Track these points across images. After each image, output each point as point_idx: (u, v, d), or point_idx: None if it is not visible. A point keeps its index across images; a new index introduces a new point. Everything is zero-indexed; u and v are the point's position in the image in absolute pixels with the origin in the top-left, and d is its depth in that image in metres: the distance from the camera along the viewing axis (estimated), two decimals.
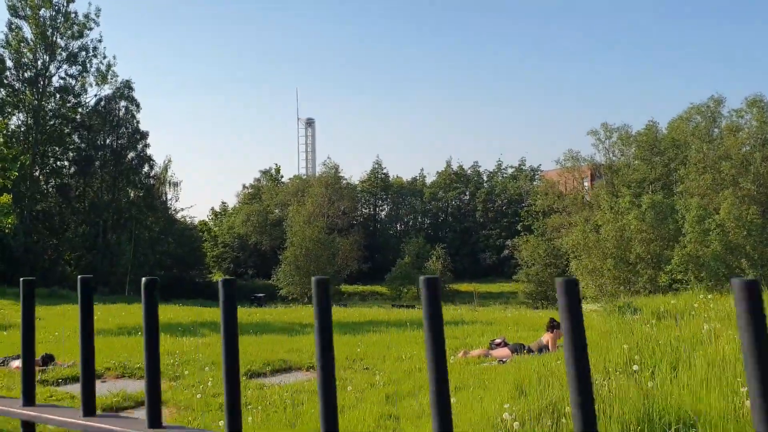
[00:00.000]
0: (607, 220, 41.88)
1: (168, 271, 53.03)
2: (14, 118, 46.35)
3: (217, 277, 67.40)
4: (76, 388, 10.20)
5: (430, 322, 0.95)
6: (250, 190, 78.16)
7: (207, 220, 78.65)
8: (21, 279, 1.34)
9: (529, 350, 11.43)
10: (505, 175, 75.12)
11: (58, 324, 19.28)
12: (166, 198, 58.76)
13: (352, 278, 61.64)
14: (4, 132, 22.04)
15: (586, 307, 39.22)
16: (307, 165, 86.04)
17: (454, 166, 76.32)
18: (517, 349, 11.52)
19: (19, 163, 21.02)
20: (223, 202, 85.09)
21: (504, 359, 11.04)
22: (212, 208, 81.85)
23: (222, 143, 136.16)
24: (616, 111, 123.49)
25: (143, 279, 1.14)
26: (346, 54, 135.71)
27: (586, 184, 57.44)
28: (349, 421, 7.14)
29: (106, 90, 51.07)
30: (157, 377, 1.15)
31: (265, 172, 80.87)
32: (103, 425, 1.13)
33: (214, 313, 23.96)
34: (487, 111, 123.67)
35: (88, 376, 1.23)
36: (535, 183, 67.62)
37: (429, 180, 77.24)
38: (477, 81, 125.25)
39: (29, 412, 1.27)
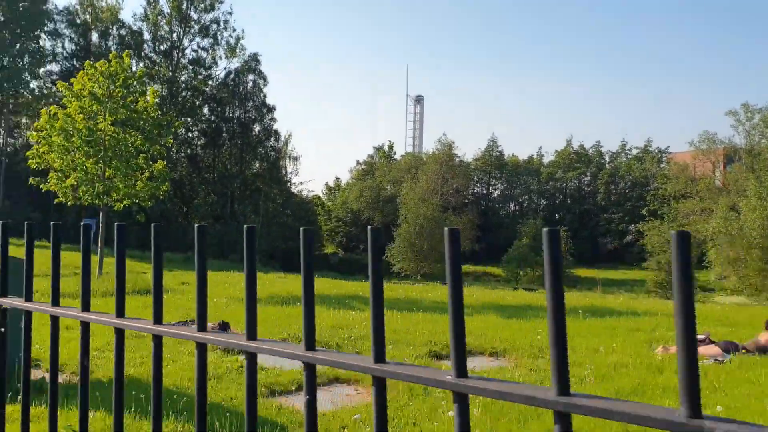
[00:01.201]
0: (753, 207, 38.76)
1: (289, 242, 54.14)
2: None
3: (330, 250, 68.58)
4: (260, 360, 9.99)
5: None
6: (363, 167, 78.52)
7: (320, 194, 79.86)
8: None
9: (746, 350, 10.22)
10: (629, 156, 71.50)
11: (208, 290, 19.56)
12: (286, 172, 59.87)
13: (464, 258, 60.73)
14: (156, 100, 22.50)
15: (727, 299, 36.64)
16: (414, 142, 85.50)
17: (575, 146, 73.44)
18: (730, 347, 10.33)
19: (173, 129, 21.46)
20: (336, 178, 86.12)
21: (719, 358, 9.91)
22: (326, 183, 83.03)
23: (335, 120, 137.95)
24: (749, 91, 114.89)
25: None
26: (458, 30, 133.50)
27: (716, 168, 53.64)
28: None
29: (235, 63, 52.35)
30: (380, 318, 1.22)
31: (379, 149, 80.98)
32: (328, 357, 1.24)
33: (357, 287, 23.78)
34: (610, 88, 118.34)
35: (309, 314, 1.30)
36: (662, 165, 63.93)
37: (547, 159, 74.76)
38: (599, 55, 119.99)
39: (252, 344, 1.34)
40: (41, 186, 19.92)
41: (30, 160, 19.99)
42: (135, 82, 21.21)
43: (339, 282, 27.95)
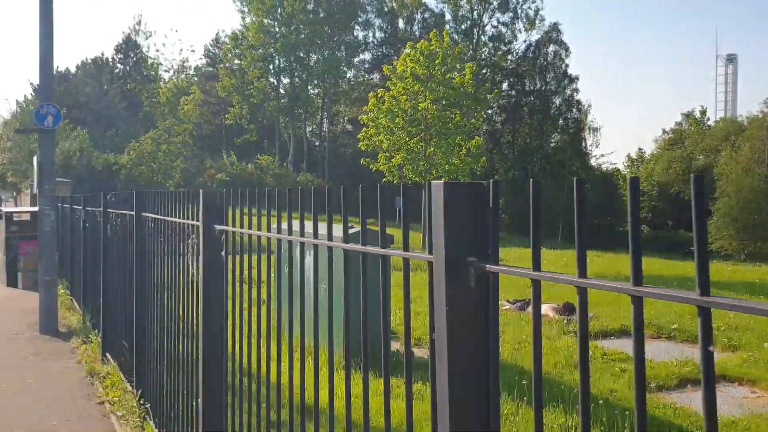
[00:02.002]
0: None
1: (590, 218, 51.99)
2: None
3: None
4: (607, 344, 9.14)
5: None
6: (670, 135, 72.06)
7: (619, 167, 75.29)
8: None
9: None
10: None
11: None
12: (586, 144, 57.43)
13: None
14: (473, 73, 22.56)
15: None
16: (726, 106, 75.98)
17: None
18: None
19: (490, 102, 21.45)
20: (639, 149, 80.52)
21: None
22: (628, 155, 78.06)
23: (636, 87, 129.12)
24: None
25: None
26: None
27: None
28: None
29: (534, 35, 51.39)
30: None
31: (688, 115, 73.56)
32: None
33: (682, 267, 21.54)
34: None
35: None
36: None
37: None
38: None
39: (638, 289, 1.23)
40: (371, 166, 21.34)
41: (360, 143, 21.50)
42: (452, 60, 21.56)
43: (663, 261, 25.56)
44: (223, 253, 3.78)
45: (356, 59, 57.01)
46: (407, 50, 21.27)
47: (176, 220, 4.52)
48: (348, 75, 56.96)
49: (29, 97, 51.76)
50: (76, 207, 10.63)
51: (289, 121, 55.84)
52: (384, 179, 21.57)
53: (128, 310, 6.31)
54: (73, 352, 8.21)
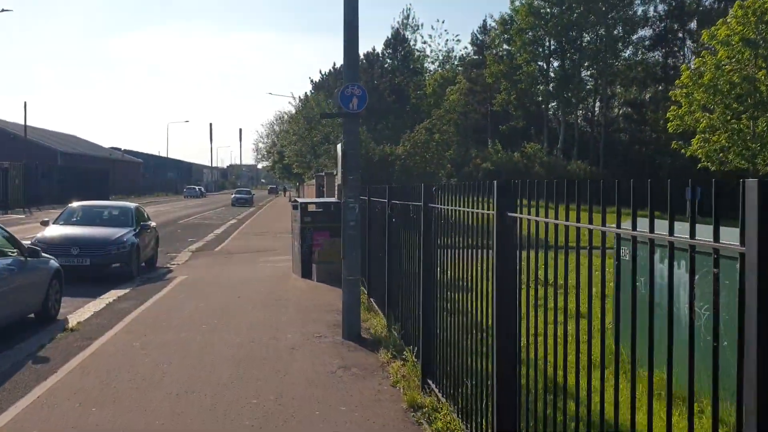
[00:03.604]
0: None
1: None
2: None
3: None
4: None
5: None
6: None
7: None
8: None
9: None
10: None
11: None
12: None
13: None
14: None
15: None
16: None
17: None
18: None
19: None
20: None
21: None
22: None
23: None
24: None
25: None
26: None
27: None
28: None
29: None
30: None
31: None
32: None
33: None
34: None
35: None
36: None
37: None
38: None
39: None
40: (683, 150, 18.06)
41: (669, 123, 18.29)
42: None
43: None
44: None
45: (635, 36, 52.02)
46: (733, 11, 17.49)
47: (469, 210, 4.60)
48: (625, 54, 52.23)
49: (308, 94, 55.47)
50: (376, 199, 9.61)
51: (559, 106, 52.86)
52: (699, 165, 18.13)
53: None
54: (383, 368, 6.96)
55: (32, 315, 9.53)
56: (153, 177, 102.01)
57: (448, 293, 5.37)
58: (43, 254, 10.19)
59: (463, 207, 4.74)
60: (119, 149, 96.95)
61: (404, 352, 6.96)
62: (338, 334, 8.37)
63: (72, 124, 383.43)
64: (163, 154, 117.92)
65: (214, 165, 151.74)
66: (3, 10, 39.87)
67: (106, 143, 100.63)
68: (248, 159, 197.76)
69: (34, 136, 64.84)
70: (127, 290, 12.24)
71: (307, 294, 11.76)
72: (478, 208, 4.37)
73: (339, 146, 8.52)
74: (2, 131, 63.05)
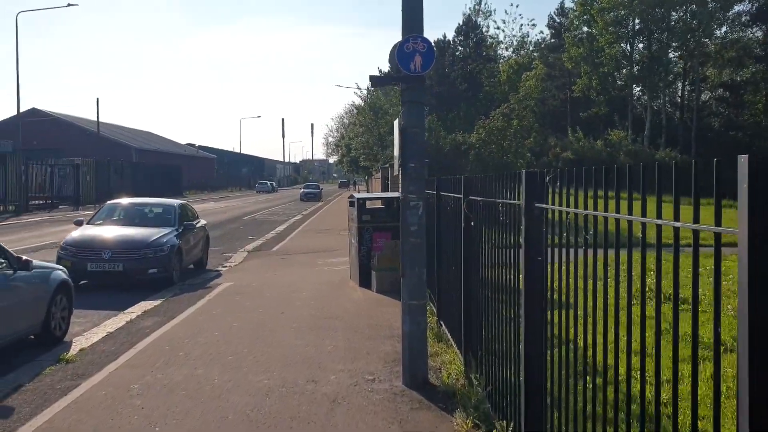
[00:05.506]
0: None
1: None
2: None
3: None
4: None
5: None
6: None
7: None
8: None
9: None
10: None
11: None
12: None
13: None
14: None
15: None
16: None
17: None
18: None
19: None
20: None
21: None
22: None
23: None
24: None
25: None
26: None
27: None
28: None
29: None
30: None
31: None
32: None
33: None
34: None
35: None
36: None
37: None
38: None
39: None
40: None
41: None
42: None
43: None
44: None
45: (730, 12, 47.45)
46: None
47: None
48: (719, 32, 47.86)
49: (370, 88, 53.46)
50: (446, 194, 7.39)
51: (645, 90, 49.01)
52: None
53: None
54: None
55: (32, 336, 7.89)
56: (227, 172, 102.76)
57: (573, 343, 3.21)
58: (46, 264, 8.54)
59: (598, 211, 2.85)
60: (194, 145, 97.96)
61: (494, 422, 4.74)
62: (397, 377, 6.26)
63: (147, 122, 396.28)
64: (237, 150, 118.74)
65: (286, 160, 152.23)
66: (69, 5, 39.61)
67: (182, 140, 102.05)
68: (320, 154, 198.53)
69: (109, 132, 65.64)
70: (158, 302, 10.52)
71: (363, 310, 9.69)
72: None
73: (396, 123, 6.34)
74: (78, 128, 64.04)
